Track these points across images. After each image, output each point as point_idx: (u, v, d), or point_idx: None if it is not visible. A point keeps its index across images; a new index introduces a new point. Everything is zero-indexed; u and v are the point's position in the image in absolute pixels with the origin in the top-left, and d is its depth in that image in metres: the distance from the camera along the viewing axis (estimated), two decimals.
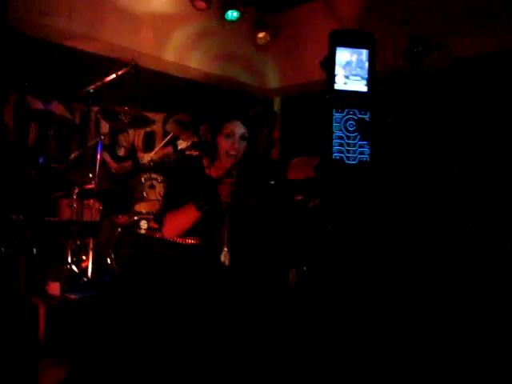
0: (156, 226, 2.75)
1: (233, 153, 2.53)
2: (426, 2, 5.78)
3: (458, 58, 5.72)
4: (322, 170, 1.14)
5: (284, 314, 2.86)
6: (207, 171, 2.66)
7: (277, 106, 8.13)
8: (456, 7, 5.58)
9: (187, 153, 3.89)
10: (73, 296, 3.83)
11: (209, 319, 2.46)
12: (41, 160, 4.58)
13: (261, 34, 6.92)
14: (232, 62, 7.08)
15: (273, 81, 7.56)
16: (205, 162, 2.67)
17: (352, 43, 1.19)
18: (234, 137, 2.54)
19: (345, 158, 1.13)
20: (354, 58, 1.19)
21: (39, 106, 5.75)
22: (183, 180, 2.60)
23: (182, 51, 6.53)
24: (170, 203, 2.55)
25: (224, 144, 2.54)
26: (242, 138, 2.56)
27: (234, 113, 2.55)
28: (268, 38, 6.97)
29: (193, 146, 3.65)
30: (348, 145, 1.15)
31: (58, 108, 5.88)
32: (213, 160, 2.63)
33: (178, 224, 2.51)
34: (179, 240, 2.62)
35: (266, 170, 2.80)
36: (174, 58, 6.51)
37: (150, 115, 5.39)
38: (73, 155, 5.19)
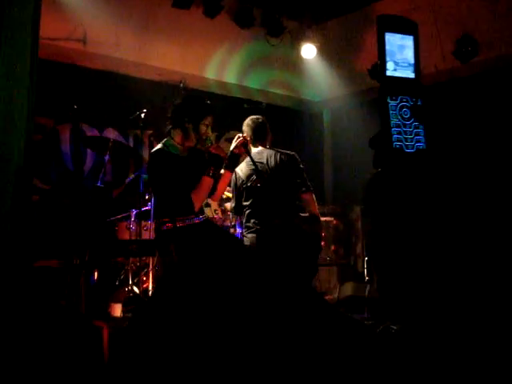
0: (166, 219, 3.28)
1: (206, 137, 3.42)
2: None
3: (507, 55, 5.56)
4: (382, 161, 1.13)
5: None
6: (181, 148, 3.44)
7: (326, 118, 8.09)
8: (503, 3, 5.44)
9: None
10: None
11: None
12: (98, 184, 4.69)
13: (305, 47, 6.90)
14: (278, 77, 7.11)
15: (320, 93, 7.54)
16: (177, 139, 3.44)
17: (399, 29, 1.18)
18: (209, 126, 3.44)
19: (404, 147, 1.14)
20: (401, 44, 1.19)
21: (94, 133, 5.93)
22: (168, 164, 3.30)
23: (226, 69, 6.61)
24: (173, 185, 3.27)
25: (203, 130, 3.40)
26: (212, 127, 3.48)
27: (211, 110, 3.45)
28: (313, 51, 6.94)
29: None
30: (405, 133, 1.15)
31: (112, 134, 6.05)
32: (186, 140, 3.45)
33: (203, 196, 3.34)
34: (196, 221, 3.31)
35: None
36: (219, 77, 6.59)
37: None
38: (128, 179, 5.31)
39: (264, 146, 4.04)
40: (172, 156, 3.35)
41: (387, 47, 1.08)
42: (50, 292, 3.41)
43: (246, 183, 3.88)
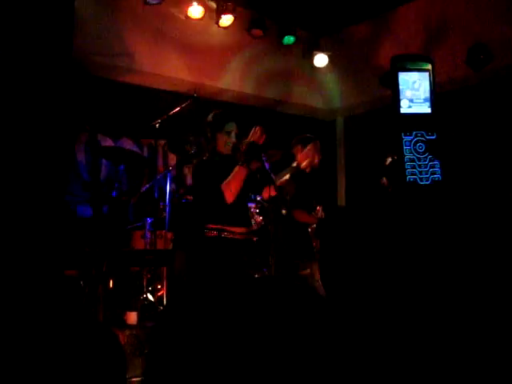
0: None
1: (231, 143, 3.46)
2: (485, 8, 5.66)
3: None
4: (397, 194, 1.16)
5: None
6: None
7: (339, 126, 8.11)
8: None
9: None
10: (150, 325, 3.92)
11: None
12: (113, 194, 4.74)
13: (317, 56, 6.95)
14: (290, 86, 7.14)
15: (333, 101, 7.56)
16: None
17: (413, 67, 1.21)
18: (232, 133, 3.49)
19: (418, 180, 1.17)
20: (416, 80, 1.21)
21: (109, 143, 5.98)
22: (211, 165, 3.45)
23: (239, 79, 6.65)
24: (213, 180, 3.33)
25: (224, 138, 3.49)
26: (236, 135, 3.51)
27: (230, 117, 3.54)
28: (325, 60, 6.99)
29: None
30: (420, 166, 1.18)
31: (127, 144, 6.10)
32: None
33: (233, 185, 3.27)
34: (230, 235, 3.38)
35: None
36: (232, 87, 6.64)
37: None
38: (143, 188, 5.35)
39: None
40: (211, 163, 3.49)
41: (401, 86, 1.11)
42: (70, 301, 3.47)
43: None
